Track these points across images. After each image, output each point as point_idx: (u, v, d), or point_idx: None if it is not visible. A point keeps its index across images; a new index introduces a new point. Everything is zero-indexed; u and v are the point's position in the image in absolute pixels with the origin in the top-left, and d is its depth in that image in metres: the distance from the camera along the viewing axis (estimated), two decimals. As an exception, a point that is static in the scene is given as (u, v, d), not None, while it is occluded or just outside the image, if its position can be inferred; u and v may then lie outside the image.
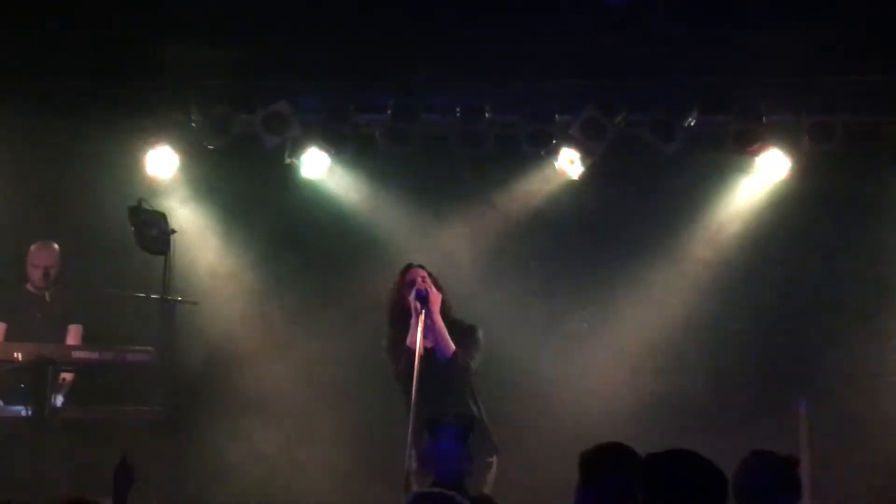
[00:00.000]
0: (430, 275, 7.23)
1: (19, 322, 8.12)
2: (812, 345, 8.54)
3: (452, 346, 7.06)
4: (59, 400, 7.70)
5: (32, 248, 8.26)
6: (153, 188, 8.46)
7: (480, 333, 7.23)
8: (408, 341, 7.01)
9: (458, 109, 8.33)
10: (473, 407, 7.08)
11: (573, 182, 8.59)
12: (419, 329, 6.92)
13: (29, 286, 8.26)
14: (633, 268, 8.73)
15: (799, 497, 4.59)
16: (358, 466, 8.26)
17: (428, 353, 6.94)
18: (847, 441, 8.21)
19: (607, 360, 8.67)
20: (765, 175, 8.54)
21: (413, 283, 7.13)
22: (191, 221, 8.72)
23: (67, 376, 7.87)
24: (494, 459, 7.07)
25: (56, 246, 8.27)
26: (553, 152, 8.48)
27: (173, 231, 7.79)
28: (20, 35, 7.86)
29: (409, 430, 6.63)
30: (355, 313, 8.56)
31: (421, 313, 6.97)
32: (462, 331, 7.19)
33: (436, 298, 7.06)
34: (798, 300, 8.60)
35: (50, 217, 8.70)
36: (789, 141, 8.33)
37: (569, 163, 8.49)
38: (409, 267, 7.28)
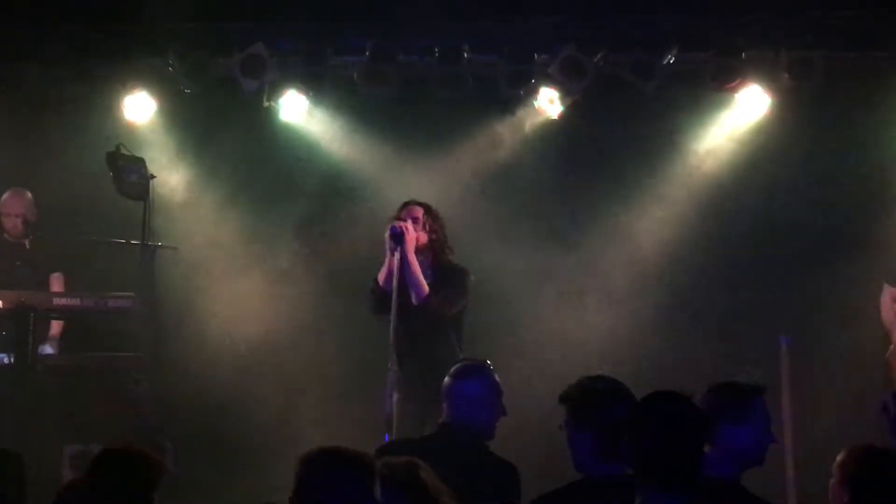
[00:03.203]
0: (429, 211, 7.17)
1: (0, 270, 8.11)
2: (793, 279, 8.56)
3: (426, 288, 6.98)
4: (46, 349, 7.74)
5: (4, 196, 8.23)
6: (131, 134, 8.41)
7: (470, 278, 7.18)
8: (378, 278, 7.01)
9: (436, 50, 8.28)
10: (457, 349, 7.06)
11: (553, 122, 8.57)
12: (395, 268, 6.85)
13: (6, 235, 8.23)
14: (614, 206, 8.74)
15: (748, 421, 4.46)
16: (338, 405, 8.28)
17: (403, 293, 6.92)
18: (828, 376, 8.27)
19: (586, 297, 8.70)
20: (745, 112, 8.52)
21: (400, 218, 7.06)
22: (169, 167, 8.69)
23: (57, 325, 7.88)
24: None
25: (28, 193, 8.23)
26: (532, 92, 8.44)
27: (152, 176, 7.78)
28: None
29: (389, 367, 6.67)
30: (335, 254, 8.58)
31: (395, 251, 6.92)
32: (452, 274, 7.14)
33: (411, 237, 6.98)
34: (779, 235, 8.62)
35: (26, 164, 8.66)
36: (769, 77, 8.29)
37: (548, 102, 8.46)
38: (407, 203, 7.20)
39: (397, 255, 6.91)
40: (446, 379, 5.26)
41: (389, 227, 6.97)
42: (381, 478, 3.79)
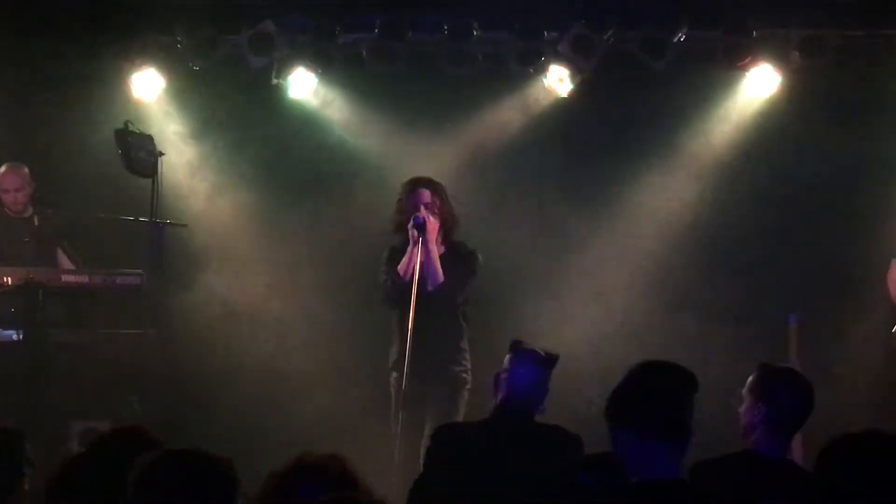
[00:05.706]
0: (436, 191, 7.17)
1: (8, 246, 8.09)
2: (802, 256, 8.56)
3: (441, 275, 7.04)
4: None
5: (0, 171, 8.16)
6: (139, 110, 8.39)
7: (479, 260, 7.22)
8: (399, 267, 7.03)
9: (445, 27, 8.25)
10: (465, 332, 7.14)
11: (563, 100, 8.54)
12: (417, 257, 6.92)
13: (7, 211, 8.20)
14: (623, 184, 8.72)
15: None
16: (348, 384, 8.29)
17: (419, 280, 6.94)
18: (836, 354, 8.27)
19: (591, 278, 8.70)
20: (755, 90, 8.49)
21: (416, 205, 7.08)
22: (177, 144, 8.68)
23: None
24: (469, 379, 7.11)
25: (25, 168, 8.17)
26: (542, 70, 8.41)
27: (161, 153, 7.77)
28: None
29: (407, 352, 6.76)
30: (343, 230, 8.58)
31: (418, 241, 6.96)
32: (461, 255, 7.19)
33: (433, 227, 7.03)
34: (787, 213, 8.63)
35: (34, 142, 8.65)
36: (779, 56, 8.27)
37: (558, 80, 8.42)
38: (416, 185, 7.20)
39: (419, 245, 6.95)
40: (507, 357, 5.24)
41: (413, 218, 7.00)
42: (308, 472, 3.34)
